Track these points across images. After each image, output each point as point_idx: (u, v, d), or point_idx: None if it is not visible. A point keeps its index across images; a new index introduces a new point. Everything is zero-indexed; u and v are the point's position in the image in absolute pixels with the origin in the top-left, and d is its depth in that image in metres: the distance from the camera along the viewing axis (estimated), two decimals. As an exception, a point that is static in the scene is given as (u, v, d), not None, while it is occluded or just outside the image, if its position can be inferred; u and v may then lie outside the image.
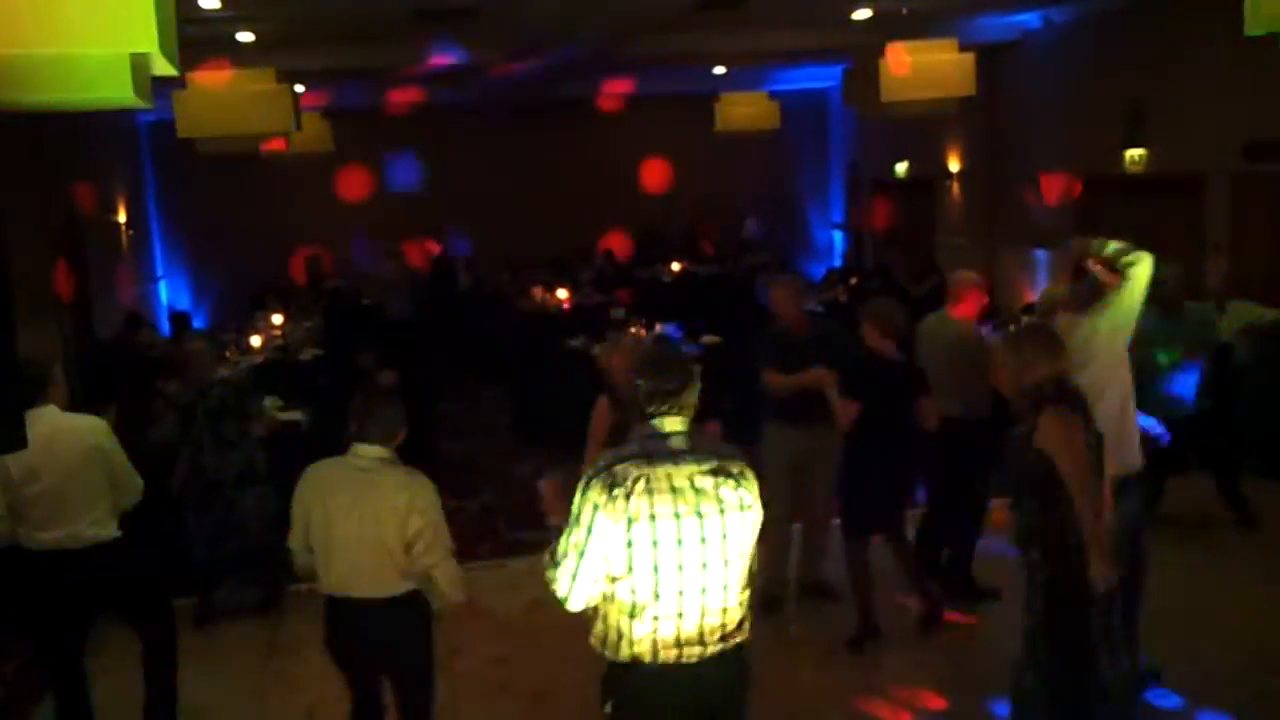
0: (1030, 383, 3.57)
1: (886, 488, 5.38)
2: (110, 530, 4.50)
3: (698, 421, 3.11)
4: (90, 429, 4.54)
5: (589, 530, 2.92)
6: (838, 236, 17.38)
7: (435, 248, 14.45)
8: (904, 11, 9.45)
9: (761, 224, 16.40)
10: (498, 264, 14.34)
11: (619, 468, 2.93)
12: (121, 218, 13.16)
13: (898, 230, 14.84)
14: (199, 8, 7.59)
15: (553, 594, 3.03)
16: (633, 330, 9.49)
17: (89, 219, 11.74)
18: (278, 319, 11.43)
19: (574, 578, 2.96)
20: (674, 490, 2.91)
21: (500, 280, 13.68)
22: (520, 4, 8.48)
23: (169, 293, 15.38)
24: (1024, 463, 3.54)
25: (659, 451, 2.96)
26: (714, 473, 2.96)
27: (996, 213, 12.69)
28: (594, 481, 2.94)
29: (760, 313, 8.27)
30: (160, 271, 15.22)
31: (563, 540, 2.99)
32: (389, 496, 3.72)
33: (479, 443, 9.92)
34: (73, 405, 8.81)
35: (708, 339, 9.61)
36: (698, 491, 2.93)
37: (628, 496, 2.89)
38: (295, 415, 7.51)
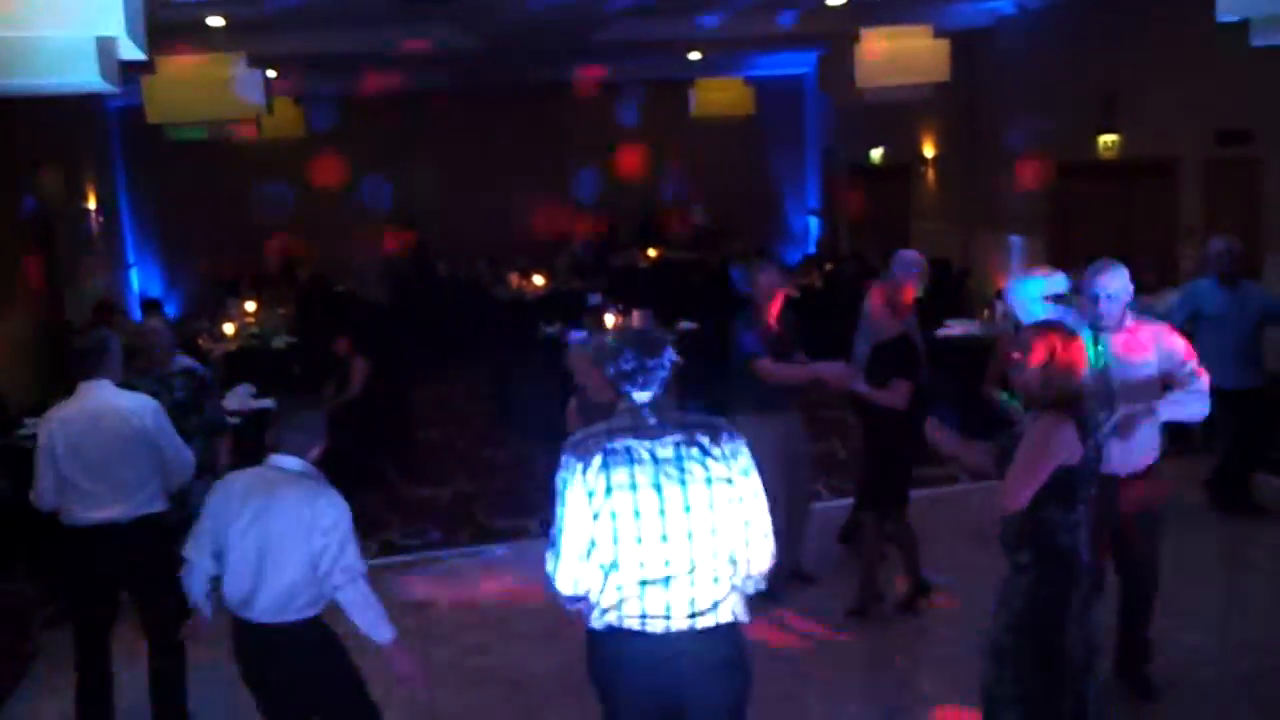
0: (1045, 384, 3.48)
1: (910, 463, 5.60)
2: (159, 507, 4.53)
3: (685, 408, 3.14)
4: (138, 410, 4.48)
5: (564, 504, 2.98)
6: (813, 222, 17.41)
7: (408, 235, 14.37)
8: (879, -3, 9.46)
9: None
10: (472, 250, 14.28)
11: (585, 442, 3.01)
12: (91, 204, 13.01)
13: (872, 216, 14.89)
14: (168, -9, 7.49)
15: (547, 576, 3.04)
16: (608, 316, 9.48)
17: (58, 206, 11.60)
18: (251, 306, 11.34)
19: (559, 556, 2.99)
20: (634, 462, 2.94)
21: (476, 267, 13.63)
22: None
23: (140, 280, 15.23)
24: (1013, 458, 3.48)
25: (624, 425, 3.01)
26: (679, 444, 2.97)
27: (971, 198, 12.74)
28: (564, 457, 3.01)
29: (736, 299, 8.29)
30: (132, 259, 15.06)
31: (553, 530, 3.03)
32: (290, 511, 3.51)
33: (456, 429, 9.90)
34: (40, 393, 8.78)
35: (684, 325, 9.61)
36: (659, 463, 2.94)
37: (585, 469, 2.94)
38: (269, 403, 7.46)
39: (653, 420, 3.00)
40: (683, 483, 2.94)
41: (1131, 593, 4.62)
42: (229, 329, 10.32)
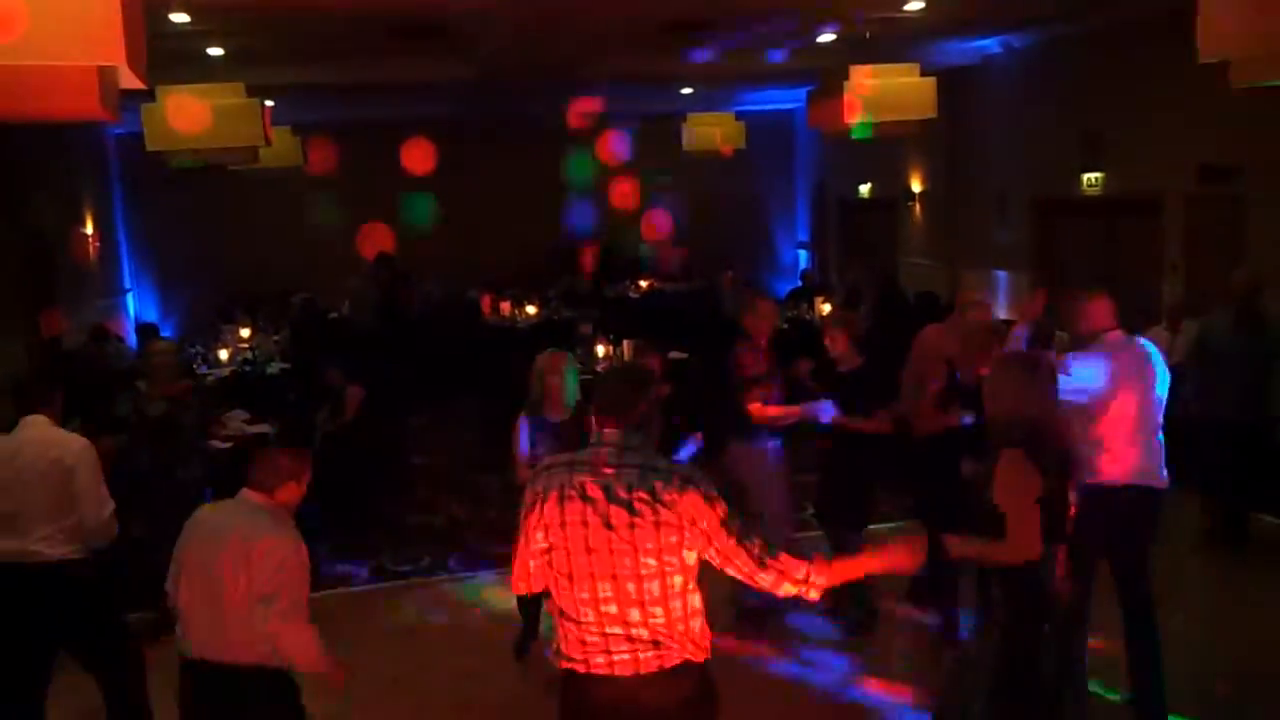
0: (1005, 414, 3.55)
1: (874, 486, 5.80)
2: (62, 551, 4.28)
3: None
4: (61, 444, 4.39)
5: (525, 533, 3.02)
6: (803, 255, 17.55)
7: (384, 241, 14.33)
8: (867, 35, 9.62)
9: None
10: (465, 279, 14.37)
11: (549, 471, 3.03)
12: (89, 230, 13.10)
13: (861, 250, 15.04)
14: (169, 22, 7.61)
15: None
16: (599, 346, 9.57)
17: (56, 231, 11.68)
18: (245, 332, 11.41)
19: (521, 579, 3.11)
20: (586, 499, 2.92)
21: (466, 295, 13.71)
22: (489, 22, 8.56)
23: (137, 305, 15.30)
24: (982, 497, 3.54)
25: (586, 459, 2.99)
26: (631, 485, 2.90)
27: (958, 233, 12.88)
28: (532, 483, 3.05)
29: (726, 329, 8.37)
30: (128, 284, 15.14)
31: (515, 544, 3.10)
32: (235, 547, 3.41)
33: (448, 456, 9.95)
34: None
35: (675, 354, 9.69)
36: (611, 502, 2.90)
37: (542, 501, 2.97)
38: (263, 428, 7.52)
39: (617, 458, 2.95)
40: (631, 525, 2.88)
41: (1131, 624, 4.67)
42: (223, 355, 10.38)
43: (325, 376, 8.19)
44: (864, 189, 15.33)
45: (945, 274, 12.95)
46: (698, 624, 3.01)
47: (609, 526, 2.89)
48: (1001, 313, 11.07)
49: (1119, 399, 4.49)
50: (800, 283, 15.27)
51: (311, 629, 3.49)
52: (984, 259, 12.23)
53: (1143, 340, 4.69)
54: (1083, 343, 4.65)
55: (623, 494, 2.90)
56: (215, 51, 9.09)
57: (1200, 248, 9.19)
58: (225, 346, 10.66)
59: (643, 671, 2.93)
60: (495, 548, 7.22)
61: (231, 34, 8.58)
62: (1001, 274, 11.94)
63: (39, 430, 4.44)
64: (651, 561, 2.89)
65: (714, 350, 6.19)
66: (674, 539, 2.89)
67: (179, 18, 7.59)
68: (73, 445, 4.43)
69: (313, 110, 13.16)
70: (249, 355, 10.64)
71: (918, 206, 13.94)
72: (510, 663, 5.56)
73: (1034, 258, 11.19)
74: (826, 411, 5.54)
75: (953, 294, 12.64)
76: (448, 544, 7.53)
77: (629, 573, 2.89)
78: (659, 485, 2.90)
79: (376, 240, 13.98)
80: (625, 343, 9.74)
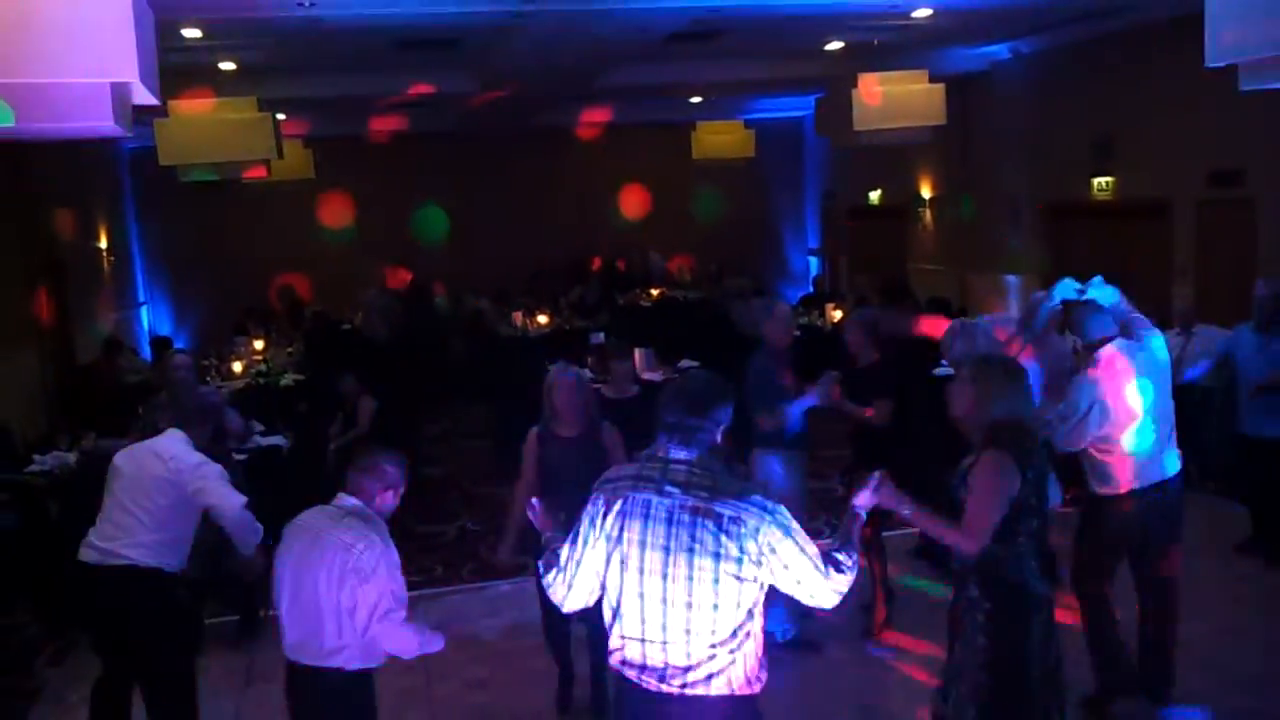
0: (987, 419, 3.57)
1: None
2: (148, 559, 4.28)
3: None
4: (177, 457, 4.37)
5: (583, 543, 3.00)
6: (813, 262, 17.56)
7: (407, 275, 14.49)
8: (875, 43, 9.65)
9: (665, 258, 16.52)
10: (478, 289, 14.42)
11: (614, 483, 3.00)
12: (103, 244, 13.20)
13: (871, 256, 15.04)
14: (181, 37, 7.68)
15: (549, 596, 3.12)
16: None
17: (70, 245, 11.78)
18: (259, 344, 11.46)
19: (569, 587, 3.05)
20: (649, 518, 2.89)
21: (478, 305, 13.74)
22: (500, 35, 8.61)
23: (150, 318, 15.39)
24: (958, 495, 3.57)
25: (650, 478, 2.94)
26: (696, 511, 2.85)
27: (968, 239, 12.87)
28: (595, 495, 3.03)
29: (738, 338, 8.37)
30: (142, 297, 15.24)
31: (564, 550, 3.07)
32: (333, 553, 3.50)
33: (461, 466, 9.97)
34: (50, 430, 8.88)
35: (686, 362, 9.69)
36: (672, 525, 2.86)
37: (606, 514, 2.95)
38: (276, 440, 7.55)
39: (681, 479, 2.90)
40: (690, 550, 2.84)
41: (1153, 615, 4.76)
42: (237, 367, 10.43)
43: (338, 388, 8.21)
44: (874, 195, 15.34)
45: (956, 279, 12.94)
46: (752, 652, 2.94)
47: (667, 549, 2.86)
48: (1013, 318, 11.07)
49: (1114, 413, 4.54)
50: (812, 289, 15.28)
51: (406, 624, 3.59)
52: (995, 264, 12.21)
53: (1143, 337, 4.68)
54: (1087, 354, 4.70)
55: (685, 518, 2.86)
56: (227, 66, 9.16)
57: (1211, 251, 9.17)
58: (239, 358, 10.70)
59: (688, 694, 2.89)
60: (508, 558, 7.21)
61: (243, 48, 8.64)
62: (1013, 279, 11.92)
63: (163, 444, 4.46)
64: (709, 586, 2.84)
65: (725, 358, 6.18)
66: (736, 564, 2.84)
67: (191, 33, 7.67)
68: (191, 464, 4.42)
69: (324, 123, 13.24)
70: (262, 367, 10.69)
71: (928, 212, 13.93)
72: (521, 673, 5.56)
73: (1045, 262, 11.18)
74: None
75: (963, 300, 12.67)
76: (460, 555, 7.54)
77: (684, 596, 2.86)
78: (726, 514, 2.85)
79: (398, 274, 14.12)
80: (637, 351, 9.75)
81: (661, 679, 2.91)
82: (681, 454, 2.93)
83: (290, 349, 11.48)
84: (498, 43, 8.95)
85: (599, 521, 2.97)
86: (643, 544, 2.89)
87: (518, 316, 12.77)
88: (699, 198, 15.80)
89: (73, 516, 6.61)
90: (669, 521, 2.86)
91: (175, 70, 8.09)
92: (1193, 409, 7.56)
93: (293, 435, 7.77)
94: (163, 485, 4.30)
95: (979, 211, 12.51)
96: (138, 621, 4.31)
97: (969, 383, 3.67)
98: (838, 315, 11.88)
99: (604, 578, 2.98)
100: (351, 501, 3.65)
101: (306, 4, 6.89)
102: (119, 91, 3.69)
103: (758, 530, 2.84)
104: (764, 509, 2.86)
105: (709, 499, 2.85)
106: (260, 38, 8.26)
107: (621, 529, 2.92)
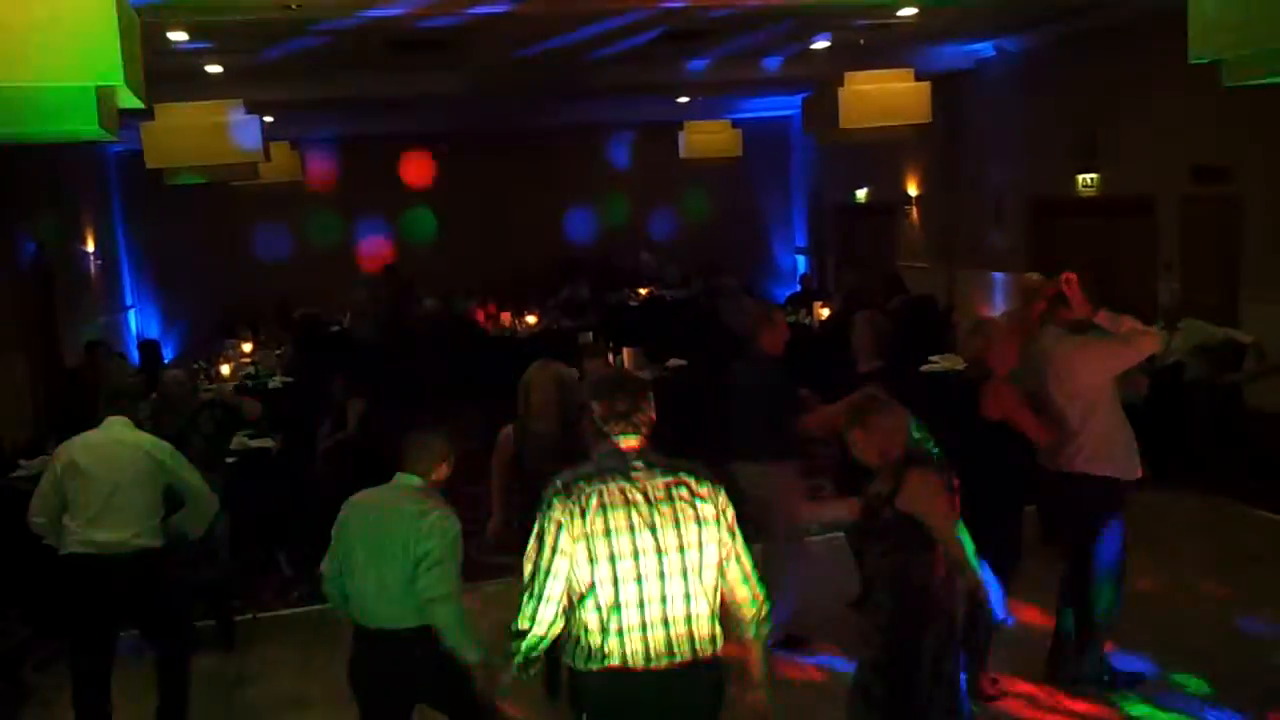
0: (895, 451, 3.69)
1: None
2: (155, 541, 4.64)
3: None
4: (153, 444, 4.73)
5: (554, 549, 3.00)
6: (801, 260, 17.61)
7: (392, 276, 14.47)
8: (861, 42, 9.69)
9: (656, 258, 16.55)
10: (466, 289, 14.43)
11: (576, 485, 3.04)
12: (90, 247, 13.17)
13: (859, 254, 15.10)
14: (167, 40, 7.67)
15: (516, 631, 3.07)
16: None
17: (56, 249, 11.74)
18: (247, 347, 11.44)
19: (538, 599, 3.03)
20: (628, 504, 3.01)
21: (465, 305, 13.75)
22: (487, 35, 8.62)
23: (138, 321, 15.36)
24: (880, 515, 3.65)
25: (614, 467, 3.06)
26: (669, 486, 3.05)
27: (954, 236, 12.93)
28: (554, 500, 3.03)
29: (725, 337, 8.39)
30: (130, 300, 15.20)
31: (527, 565, 3.06)
32: (404, 525, 3.73)
33: (449, 466, 9.94)
34: (38, 434, 8.86)
35: (674, 362, 9.72)
36: (652, 504, 3.02)
37: (583, 513, 2.99)
38: (265, 443, 7.54)
39: (641, 462, 3.07)
40: (676, 522, 3.02)
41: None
42: (225, 370, 10.41)
43: (327, 389, 8.21)
44: (860, 194, 15.38)
45: (943, 276, 12.99)
46: (717, 621, 3.12)
47: (654, 527, 3.01)
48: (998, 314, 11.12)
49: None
50: (799, 288, 15.32)
51: (462, 608, 3.75)
52: (981, 261, 12.27)
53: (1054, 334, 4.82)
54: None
55: (660, 495, 3.04)
56: (214, 69, 9.15)
57: (1195, 247, 9.23)
58: (227, 361, 10.69)
59: (678, 665, 3.03)
60: (496, 558, 7.22)
61: (230, 51, 8.63)
62: (999, 275, 11.98)
63: (125, 430, 4.75)
64: (696, 556, 3.03)
65: (712, 358, 6.17)
66: (715, 526, 3.07)
67: (177, 36, 7.65)
68: (165, 447, 4.80)
69: (312, 125, 13.23)
70: (251, 370, 10.67)
71: (915, 210, 13.99)
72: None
73: (1031, 259, 11.23)
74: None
75: (951, 296, 12.74)
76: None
77: (680, 566, 3.02)
78: (691, 482, 3.07)
79: (380, 256, 14.09)
80: (625, 350, 9.78)
81: (671, 655, 3.02)
82: (633, 440, 3.10)
83: (279, 351, 11.46)
84: (486, 44, 8.96)
85: (571, 523, 2.99)
86: (631, 529, 3.00)
87: (506, 317, 12.78)
88: (687, 197, 15.84)
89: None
90: (648, 502, 3.02)
91: (162, 74, 8.08)
92: (1184, 403, 7.66)
93: (281, 437, 7.75)
94: (152, 471, 4.64)
95: (965, 209, 12.56)
96: (163, 599, 4.72)
97: (869, 429, 3.71)
98: (825, 313, 11.92)
99: (592, 576, 2.99)
100: (410, 479, 3.87)
101: (293, 5, 6.89)
102: (104, 95, 3.69)
103: (719, 493, 3.11)
104: (712, 476, 3.13)
105: (674, 474, 3.07)
106: (246, 40, 8.25)
107: (605, 522, 2.99)
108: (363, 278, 13.98)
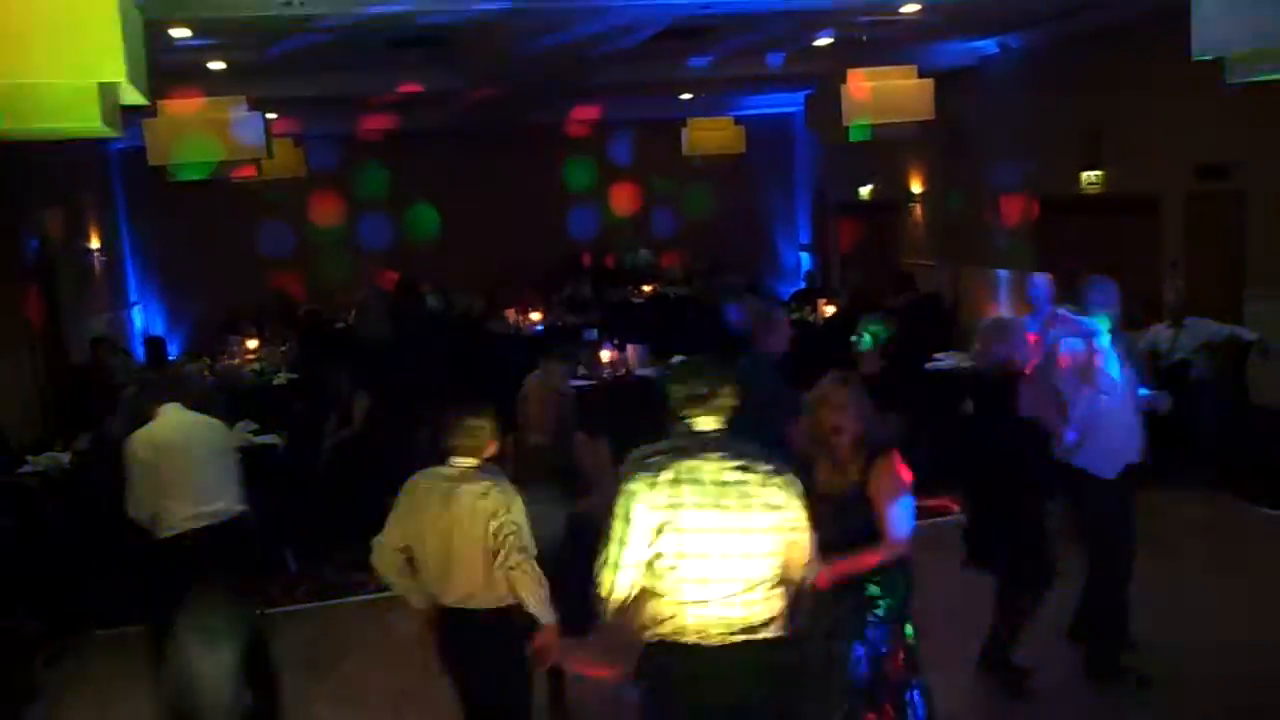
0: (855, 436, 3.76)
1: None
2: (245, 505, 5.00)
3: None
4: (212, 421, 5.14)
5: (626, 519, 3.15)
6: (805, 258, 17.60)
7: (394, 275, 14.49)
8: (864, 38, 9.67)
9: (654, 255, 16.56)
10: (469, 286, 14.44)
11: (652, 459, 3.19)
12: (94, 244, 13.19)
13: (863, 251, 15.08)
14: (170, 37, 7.67)
15: (600, 597, 3.20)
16: (604, 351, 9.61)
17: (60, 246, 11.76)
18: (252, 343, 11.46)
19: (616, 567, 3.16)
20: (698, 483, 3.12)
21: (471, 302, 13.76)
22: (489, 32, 8.61)
23: (143, 318, 15.38)
24: (859, 512, 3.73)
25: (688, 446, 3.18)
26: (741, 469, 3.14)
27: (959, 234, 12.91)
28: (631, 474, 3.19)
29: (729, 335, 8.38)
30: (134, 297, 15.22)
31: (605, 535, 3.20)
32: (471, 503, 3.86)
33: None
34: (44, 430, 8.88)
35: (678, 359, 9.71)
36: (722, 485, 3.11)
37: (653, 486, 3.13)
38: (271, 439, 7.56)
39: (715, 445, 3.18)
40: (744, 507, 3.11)
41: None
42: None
43: (332, 386, 8.23)
44: (864, 191, 15.37)
45: (948, 273, 12.98)
46: (777, 602, 3.20)
47: (720, 508, 3.10)
48: (1004, 311, 11.12)
49: None
50: (804, 285, 15.31)
51: (539, 574, 3.86)
52: (986, 258, 12.25)
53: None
54: None
55: (731, 478, 3.12)
56: (217, 66, 9.15)
57: (1200, 245, 9.21)
58: (232, 358, 10.70)
59: (736, 643, 3.13)
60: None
61: (233, 48, 8.64)
62: (1003, 273, 11.96)
63: (184, 414, 5.05)
64: (760, 540, 3.12)
65: (716, 354, 6.15)
66: (781, 514, 3.15)
67: (180, 33, 7.65)
68: (222, 427, 5.30)
69: (314, 122, 13.22)
70: (256, 366, 10.69)
71: (919, 207, 13.97)
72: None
73: (1035, 256, 11.22)
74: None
75: (955, 293, 12.73)
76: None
77: (743, 548, 3.11)
78: (763, 468, 3.16)
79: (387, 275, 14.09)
80: (630, 347, 9.79)
81: (724, 633, 3.12)
82: (711, 423, 3.21)
83: (284, 348, 11.48)
84: (487, 41, 8.96)
85: (643, 495, 3.12)
86: (698, 506, 3.10)
87: (510, 314, 12.79)
88: (689, 194, 15.83)
89: (73, 514, 6.66)
90: (717, 484, 3.12)
91: (165, 70, 8.09)
92: (1189, 401, 7.63)
93: (287, 434, 7.77)
94: (226, 443, 5.08)
95: (969, 206, 12.54)
96: (254, 563, 5.24)
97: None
98: (829, 311, 11.91)
99: (658, 548, 3.12)
100: (467, 460, 3.97)
101: (296, 2, 6.88)
102: (107, 92, 3.70)
103: (790, 483, 3.19)
104: (788, 471, 3.21)
105: (747, 459, 3.16)
106: (249, 37, 8.26)
107: (673, 497, 3.10)
108: (367, 273, 13.95)
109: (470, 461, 3.98)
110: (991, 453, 4.80)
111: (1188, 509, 7.10)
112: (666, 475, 3.12)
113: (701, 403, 3.21)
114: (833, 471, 3.76)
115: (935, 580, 6.04)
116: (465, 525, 3.86)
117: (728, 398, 3.23)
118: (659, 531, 3.11)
